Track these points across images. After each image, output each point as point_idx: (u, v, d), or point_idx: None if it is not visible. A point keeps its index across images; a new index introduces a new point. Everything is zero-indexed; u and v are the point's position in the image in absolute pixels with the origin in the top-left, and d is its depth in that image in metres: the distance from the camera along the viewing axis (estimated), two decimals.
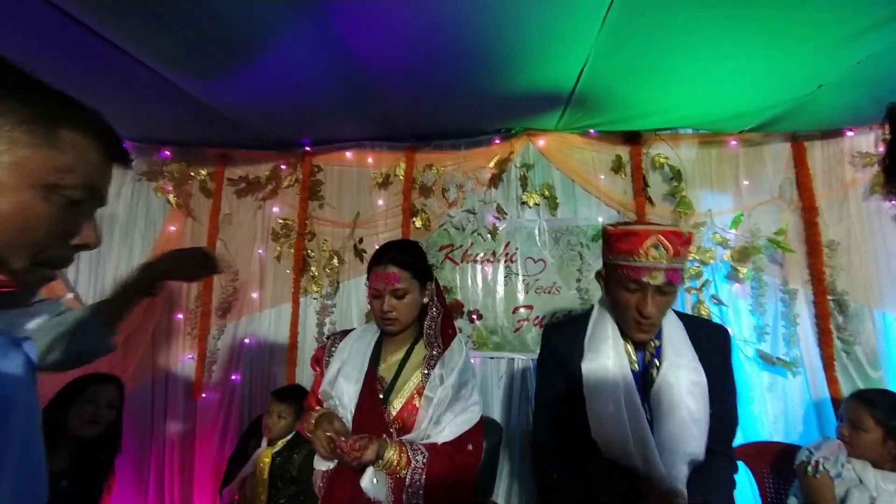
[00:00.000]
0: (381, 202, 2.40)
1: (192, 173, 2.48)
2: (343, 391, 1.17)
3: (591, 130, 2.24)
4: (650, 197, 2.18)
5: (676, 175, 2.17)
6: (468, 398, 1.19)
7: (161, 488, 2.24)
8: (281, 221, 2.42)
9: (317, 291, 2.35)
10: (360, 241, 2.36)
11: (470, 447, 1.13)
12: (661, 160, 2.19)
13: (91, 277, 2.32)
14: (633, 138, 2.23)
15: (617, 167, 2.23)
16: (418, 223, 2.32)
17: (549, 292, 2.18)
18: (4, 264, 0.48)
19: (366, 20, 1.37)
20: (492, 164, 2.29)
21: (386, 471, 1.05)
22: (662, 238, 1.03)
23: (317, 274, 2.36)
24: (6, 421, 0.51)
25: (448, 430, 1.13)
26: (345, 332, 1.33)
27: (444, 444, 1.12)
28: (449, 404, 1.15)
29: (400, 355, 1.24)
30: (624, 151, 2.24)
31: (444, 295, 1.36)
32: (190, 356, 2.33)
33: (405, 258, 1.20)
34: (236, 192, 2.49)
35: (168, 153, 2.46)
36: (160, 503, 2.23)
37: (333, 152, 2.46)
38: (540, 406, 1.29)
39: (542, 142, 2.28)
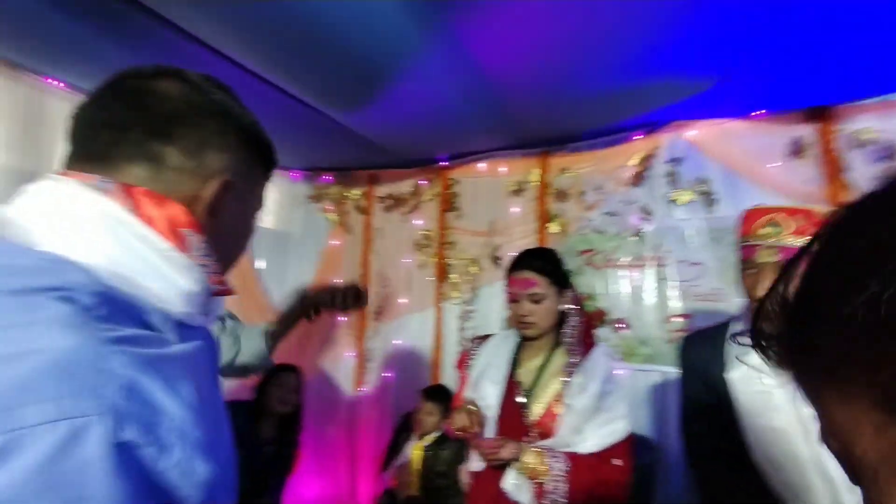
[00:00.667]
0: (515, 209, 2.42)
1: (347, 194, 2.84)
2: (486, 393, 1.21)
3: (757, 112, 1.93)
4: (849, 183, 1.78)
5: (892, 152, 1.74)
6: (613, 409, 1.13)
7: (334, 466, 2.58)
8: (423, 233, 2.62)
9: (457, 297, 2.47)
10: (497, 248, 2.42)
11: (617, 462, 1.07)
12: (868, 135, 1.77)
13: (277, 285, 2.80)
14: (818, 114, 1.86)
15: (797, 151, 1.88)
16: (554, 228, 2.28)
17: (710, 299, 1.93)
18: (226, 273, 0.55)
19: (493, 33, 1.41)
20: (633, 162, 2.13)
21: (527, 475, 1.05)
22: (783, 214, 0.96)
23: (457, 281, 2.49)
24: (222, 422, 0.51)
25: (591, 440, 1.10)
26: (486, 336, 1.38)
27: (587, 455, 1.09)
28: (591, 414, 1.11)
29: (539, 361, 1.24)
30: (807, 131, 1.87)
31: (583, 302, 1.34)
32: (351, 353, 2.66)
33: (542, 264, 1.21)
34: (385, 208, 2.77)
35: (329, 178, 2.86)
36: (334, 479, 2.58)
37: (467, 165, 2.57)
38: (686, 427, 1.17)
39: (693, 132, 2.05)
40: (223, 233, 0.53)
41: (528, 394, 1.20)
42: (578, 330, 1.22)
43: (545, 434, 1.14)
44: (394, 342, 2.58)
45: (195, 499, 0.37)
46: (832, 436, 0.20)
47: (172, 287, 0.45)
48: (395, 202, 2.74)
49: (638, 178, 2.14)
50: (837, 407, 0.19)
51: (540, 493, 1.04)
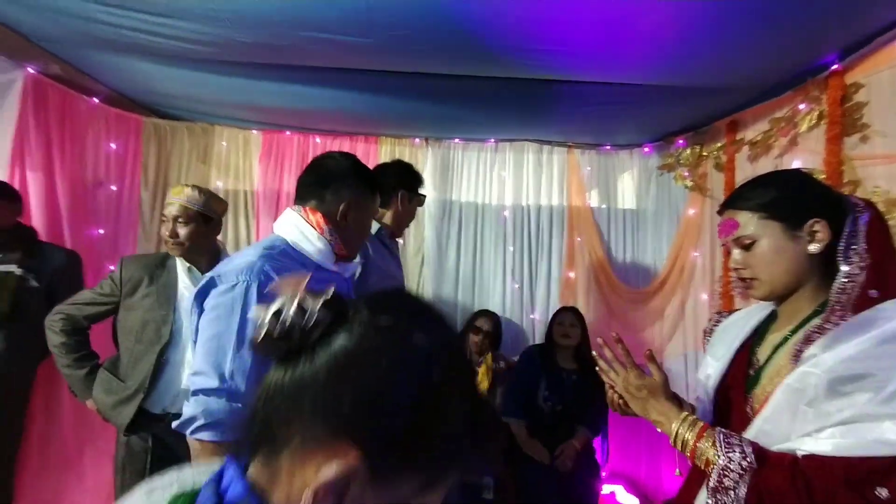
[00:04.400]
0: None
1: (705, 153, 2.46)
2: (705, 372, 0.90)
3: None
4: None
5: None
6: (876, 402, 0.61)
7: None
8: None
9: None
10: None
11: (882, 493, 0.55)
12: None
13: (633, 265, 2.79)
14: None
15: None
16: None
17: None
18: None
19: None
20: None
21: (699, 462, 0.73)
22: None
23: None
24: None
25: (832, 440, 0.63)
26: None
27: (809, 457, 0.66)
28: (816, 399, 0.66)
29: (786, 331, 0.82)
30: None
31: (884, 237, 0.73)
32: None
33: (751, 193, 0.83)
34: (750, 157, 2.21)
35: (682, 142, 2.59)
36: None
37: (877, 52, 1.64)
38: None
39: None
40: (350, 227, 1.07)
41: (756, 376, 0.81)
42: (858, 283, 0.71)
43: None
44: None
45: None
46: None
47: (313, 247, 1.00)
48: (763, 146, 2.12)
49: None
50: None
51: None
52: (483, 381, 2.35)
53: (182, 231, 1.52)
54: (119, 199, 2.34)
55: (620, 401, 0.89)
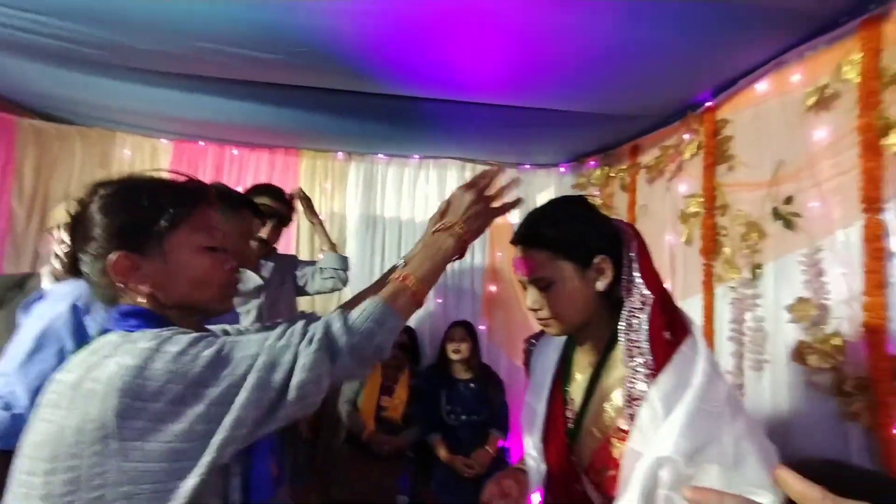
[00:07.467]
0: (820, 133, 1.52)
1: (613, 174, 2.63)
2: (528, 416, 0.93)
3: None
4: None
5: None
6: (728, 472, 0.63)
7: None
8: (688, 200, 2.06)
9: (733, 278, 1.79)
10: (788, 200, 1.59)
11: None
12: None
13: None
14: None
15: None
16: None
17: None
18: None
19: None
20: None
21: None
22: None
23: (731, 256, 1.81)
24: None
25: None
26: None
27: None
28: (678, 481, 0.65)
29: (587, 367, 0.86)
30: None
31: (654, 272, 0.79)
32: None
33: (545, 230, 0.84)
34: (648, 180, 2.39)
35: (594, 163, 2.75)
36: None
37: (741, 93, 1.84)
38: None
39: None
40: None
41: (577, 421, 0.84)
42: (643, 319, 0.76)
43: (600, 484, 0.78)
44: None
45: None
46: None
47: None
48: (656, 170, 2.30)
49: None
50: None
51: None
52: (398, 397, 2.35)
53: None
54: None
55: None
